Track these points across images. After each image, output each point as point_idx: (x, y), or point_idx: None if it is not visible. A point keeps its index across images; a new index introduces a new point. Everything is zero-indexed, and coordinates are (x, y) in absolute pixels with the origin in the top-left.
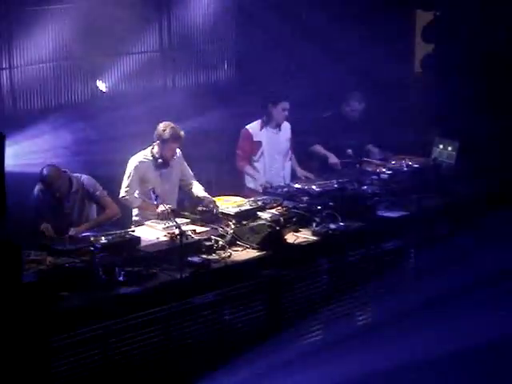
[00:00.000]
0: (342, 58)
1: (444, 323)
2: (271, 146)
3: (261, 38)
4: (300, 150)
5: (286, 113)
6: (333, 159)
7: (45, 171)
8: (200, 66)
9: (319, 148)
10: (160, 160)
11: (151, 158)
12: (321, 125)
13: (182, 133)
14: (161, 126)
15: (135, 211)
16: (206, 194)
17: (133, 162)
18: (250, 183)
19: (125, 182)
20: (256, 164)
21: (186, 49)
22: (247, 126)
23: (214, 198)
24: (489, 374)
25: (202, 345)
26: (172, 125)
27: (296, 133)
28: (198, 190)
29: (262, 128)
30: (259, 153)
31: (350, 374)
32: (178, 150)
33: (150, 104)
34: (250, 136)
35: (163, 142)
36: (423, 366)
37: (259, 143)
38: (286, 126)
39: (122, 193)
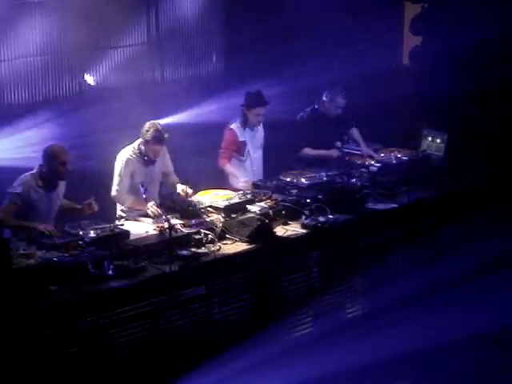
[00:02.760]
0: (330, 49)
1: (432, 316)
2: (254, 144)
3: (249, 31)
4: (286, 152)
5: (260, 118)
6: (335, 153)
7: (52, 145)
8: (188, 59)
9: (308, 150)
10: (146, 158)
11: (138, 154)
12: (301, 126)
13: (166, 135)
14: (146, 125)
15: (120, 207)
16: (181, 186)
17: (121, 158)
18: (232, 181)
19: (115, 180)
20: (244, 164)
21: (174, 41)
22: (232, 126)
23: (189, 190)
24: (477, 366)
25: (191, 338)
26: (157, 126)
27: (281, 129)
28: (173, 180)
29: (243, 127)
30: (245, 152)
31: (338, 365)
32: None
33: (138, 97)
34: (235, 136)
35: (145, 142)
36: (411, 358)
37: (244, 143)
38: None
39: (114, 192)
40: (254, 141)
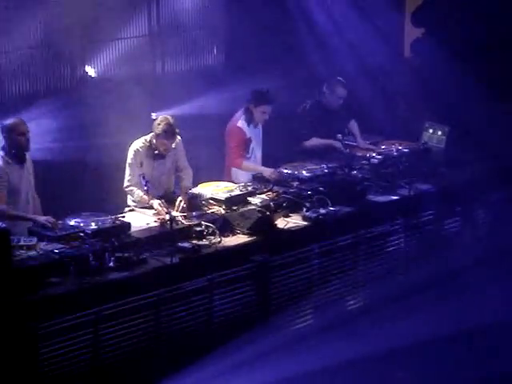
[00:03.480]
0: (331, 42)
1: (434, 307)
2: (257, 141)
3: (250, 23)
4: (286, 145)
5: (266, 116)
6: (337, 143)
7: (9, 121)
8: (189, 51)
9: (317, 140)
10: (156, 151)
11: (148, 147)
12: (303, 118)
13: (177, 130)
14: (158, 118)
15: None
16: (187, 189)
17: (132, 148)
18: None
19: (127, 171)
20: (249, 161)
21: (175, 34)
22: (239, 124)
23: (187, 191)
24: (478, 358)
25: (191, 330)
26: (169, 120)
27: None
28: (186, 185)
29: (247, 124)
30: (250, 149)
31: (339, 358)
32: (177, 137)
33: (139, 89)
34: (243, 133)
35: (156, 135)
36: (413, 350)
37: (249, 140)
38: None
39: (125, 183)
40: (258, 138)
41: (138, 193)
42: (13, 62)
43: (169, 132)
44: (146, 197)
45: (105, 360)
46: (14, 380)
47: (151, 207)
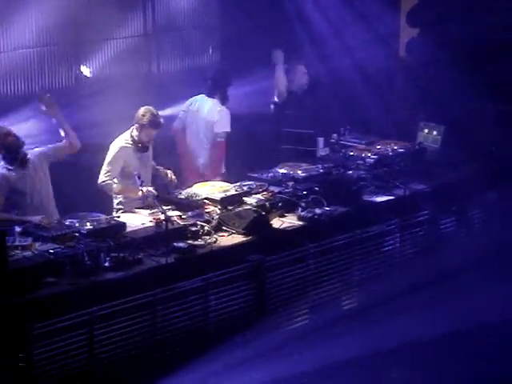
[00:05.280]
0: (327, 42)
1: (429, 307)
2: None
3: (245, 23)
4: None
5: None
6: None
7: None
8: (184, 51)
9: None
10: (139, 144)
11: (131, 143)
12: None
13: (162, 120)
14: (141, 110)
15: (116, 200)
16: (164, 171)
17: (114, 148)
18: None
19: (105, 168)
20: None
21: (170, 33)
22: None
23: (168, 170)
24: (477, 355)
25: (187, 330)
26: (152, 111)
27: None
28: (153, 165)
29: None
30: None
31: (335, 357)
32: None
33: (134, 89)
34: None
35: (141, 126)
36: (408, 350)
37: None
38: None
39: (102, 177)
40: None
41: (116, 187)
42: (8, 61)
43: (155, 122)
44: (127, 190)
45: (100, 360)
46: (8, 380)
47: (140, 206)
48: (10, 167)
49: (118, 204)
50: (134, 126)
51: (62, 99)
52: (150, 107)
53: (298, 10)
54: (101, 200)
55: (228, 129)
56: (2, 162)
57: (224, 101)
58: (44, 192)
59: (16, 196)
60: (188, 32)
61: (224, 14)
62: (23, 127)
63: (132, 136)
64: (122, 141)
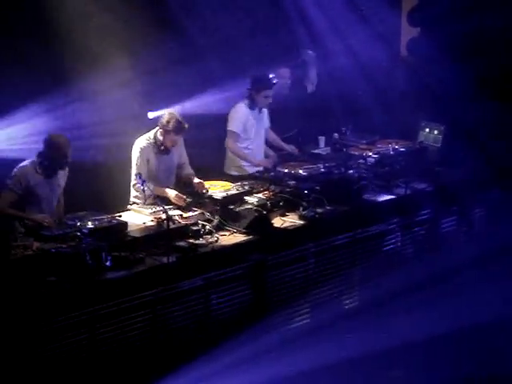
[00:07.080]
0: (327, 40)
1: (430, 306)
2: (258, 127)
3: (244, 22)
4: None
5: (270, 100)
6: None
7: (55, 136)
8: None
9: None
10: (162, 147)
11: (153, 142)
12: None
13: (186, 125)
14: (166, 115)
15: (133, 193)
16: (195, 178)
17: (137, 147)
18: (230, 170)
19: (133, 170)
20: (250, 147)
21: None
22: (240, 105)
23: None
24: (475, 356)
25: (188, 329)
26: (177, 117)
27: None
28: (188, 172)
29: (250, 110)
30: (252, 135)
31: (336, 356)
32: None
33: (136, 87)
34: (244, 115)
35: (166, 132)
36: (408, 349)
37: (252, 125)
38: (265, 110)
39: (133, 180)
40: (260, 126)
41: (149, 185)
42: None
43: (179, 128)
44: (158, 189)
45: (101, 359)
46: (10, 379)
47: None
48: (39, 170)
49: (134, 197)
50: (159, 130)
51: (62, 99)
52: (174, 112)
53: (298, 9)
54: (103, 199)
55: (230, 127)
56: (36, 160)
57: (252, 104)
58: (55, 200)
59: (30, 197)
60: None
61: (222, 13)
62: (22, 127)
63: (155, 137)
64: (143, 140)
